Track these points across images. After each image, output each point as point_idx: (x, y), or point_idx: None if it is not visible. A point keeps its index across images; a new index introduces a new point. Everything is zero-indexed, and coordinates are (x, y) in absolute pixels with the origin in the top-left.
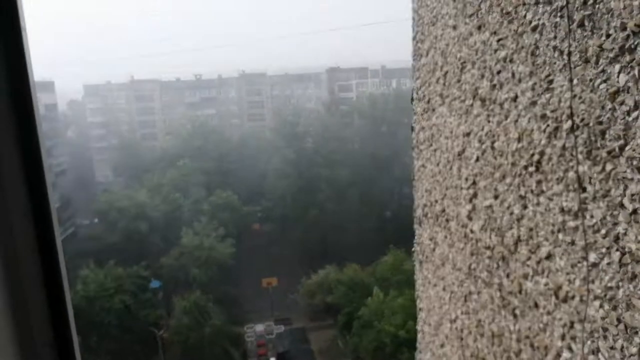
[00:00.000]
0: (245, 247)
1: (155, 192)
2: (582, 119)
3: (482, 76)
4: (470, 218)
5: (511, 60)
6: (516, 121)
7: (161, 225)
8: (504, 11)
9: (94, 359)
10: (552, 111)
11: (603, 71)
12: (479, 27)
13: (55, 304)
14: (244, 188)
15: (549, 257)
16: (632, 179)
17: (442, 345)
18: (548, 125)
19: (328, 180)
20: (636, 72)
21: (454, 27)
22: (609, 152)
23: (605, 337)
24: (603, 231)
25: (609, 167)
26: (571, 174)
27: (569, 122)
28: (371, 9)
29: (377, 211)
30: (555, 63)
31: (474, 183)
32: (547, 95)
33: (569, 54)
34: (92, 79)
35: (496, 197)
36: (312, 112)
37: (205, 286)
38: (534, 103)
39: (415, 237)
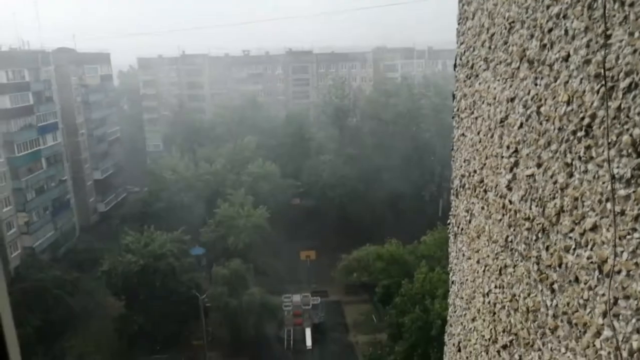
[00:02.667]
0: (285, 220)
1: (203, 163)
2: None
3: (532, 36)
4: (509, 188)
5: (565, 16)
6: (566, 82)
7: (206, 194)
8: None
9: (143, 318)
10: (609, 69)
11: None
12: None
13: None
14: (286, 163)
15: (594, 228)
16: None
17: (473, 319)
18: (602, 85)
19: (369, 159)
20: None
21: None
22: None
23: None
24: None
25: None
26: (626, 138)
27: (627, 80)
28: None
29: (416, 192)
30: (614, 15)
31: (516, 151)
32: (603, 52)
33: (631, 3)
34: (145, 52)
35: (539, 166)
36: (357, 91)
37: (245, 256)
38: (587, 62)
39: (452, 209)
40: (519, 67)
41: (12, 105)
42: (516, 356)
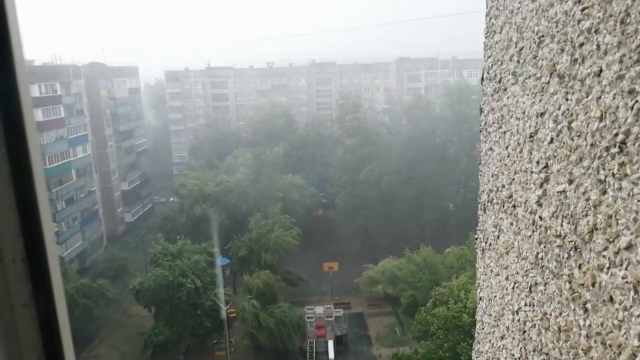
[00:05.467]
0: (309, 231)
1: (229, 174)
2: None
3: (562, 50)
4: (540, 204)
5: (596, 31)
6: (599, 98)
7: (229, 204)
8: None
9: (169, 330)
10: None
11: None
12: None
13: (45, 307)
14: (308, 174)
15: (629, 247)
16: None
17: (502, 337)
18: (637, 101)
19: (391, 171)
20: None
21: None
22: None
23: None
24: None
25: None
26: None
27: None
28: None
29: (440, 204)
30: None
31: (546, 166)
32: (637, 68)
33: None
34: (172, 65)
35: (571, 182)
36: (378, 102)
37: (271, 267)
38: (620, 77)
39: (479, 224)
40: (548, 82)
41: (45, 118)
42: None
